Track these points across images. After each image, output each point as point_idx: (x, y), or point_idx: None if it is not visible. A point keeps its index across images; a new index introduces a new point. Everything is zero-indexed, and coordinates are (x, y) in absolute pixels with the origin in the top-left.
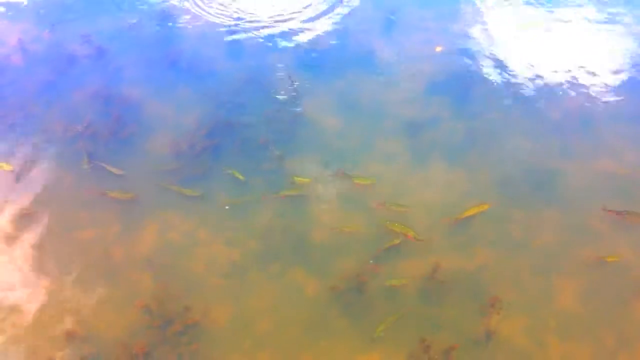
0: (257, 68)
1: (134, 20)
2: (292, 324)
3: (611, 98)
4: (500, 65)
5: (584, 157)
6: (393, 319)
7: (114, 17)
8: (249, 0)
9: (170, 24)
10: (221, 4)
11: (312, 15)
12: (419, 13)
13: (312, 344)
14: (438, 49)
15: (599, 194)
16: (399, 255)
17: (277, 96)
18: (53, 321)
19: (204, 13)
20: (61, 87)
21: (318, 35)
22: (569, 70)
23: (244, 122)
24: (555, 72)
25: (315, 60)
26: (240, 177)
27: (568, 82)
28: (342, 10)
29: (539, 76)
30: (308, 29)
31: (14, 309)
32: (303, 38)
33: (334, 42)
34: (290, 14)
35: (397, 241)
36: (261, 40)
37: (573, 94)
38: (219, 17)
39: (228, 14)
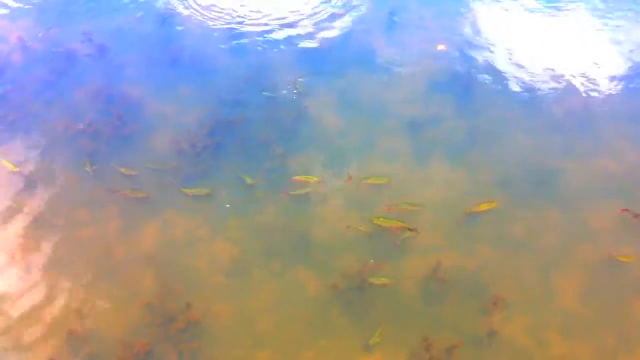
0: (259, 66)
1: (140, 14)
2: (293, 323)
3: (612, 97)
4: (501, 63)
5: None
6: (380, 330)
7: (116, 15)
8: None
9: (171, 22)
10: (223, 3)
11: (314, 14)
12: (420, 12)
13: (312, 342)
14: (440, 47)
15: (601, 192)
16: (400, 254)
17: (279, 94)
18: (54, 319)
19: (206, 12)
20: (62, 85)
21: (319, 34)
22: (570, 69)
23: (246, 121)
24: (556, 71)
25: (317, 59)
26: (249, 180)
27: (569, 81)
28: (343, 9)
29: (539, 75)
30: (310, 28)
31: (15, 307)
32: (305, 36)
33: (335, 40)
34: (292, 13)
35: (407, 234)
36: (263, 39)
37: (574, 92)
38: (220, 17)
39: (230, 13)
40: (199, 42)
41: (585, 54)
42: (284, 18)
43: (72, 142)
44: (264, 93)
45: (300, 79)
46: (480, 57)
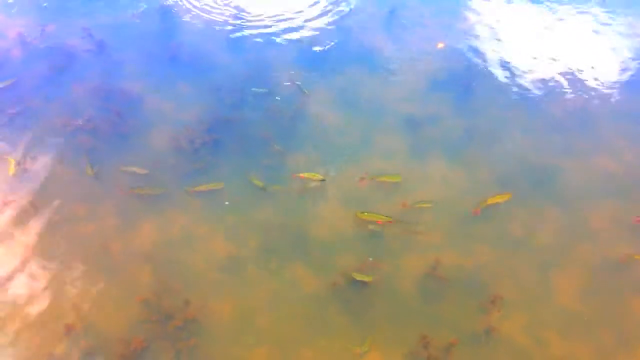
0: (258, 63)
1: (140, 10)
2: (291, 320)
3: (612, 96)
4: (500, 62)
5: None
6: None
7: (115, 12)
8: None
9: (171, 19)
10: (223, 1)
11: (313, 11)
12: (420, 10)
13: (310, 340)
14: (440, 45)
15: (600, 191)
16: (399, 252)
17: (279, 94)
18: (52, 315)
19: (206, 8)
20: (61, 81)
21: (319, 32)
22: (570, 68)
23: (245, 118)
24: (556, 69)
25: (316, 57)
26: (260, 183)
27: (568, 80)
28: (343, 7)
29: (538, 73)
30: (309, 25)
31: (13, 303)
32: (304, 34)
33: (335, 38)
34: (292, 10)
35: (417, 228)
36: (262, 36)
37: (574, 91)
38: (220, 13)
39: (230, 9)
40: (199, 39)
41: (585, 53)
42: (283, 15)
43: (70, 138)
44: (253, 89)
45: (299, 77)
46: (479, 55)
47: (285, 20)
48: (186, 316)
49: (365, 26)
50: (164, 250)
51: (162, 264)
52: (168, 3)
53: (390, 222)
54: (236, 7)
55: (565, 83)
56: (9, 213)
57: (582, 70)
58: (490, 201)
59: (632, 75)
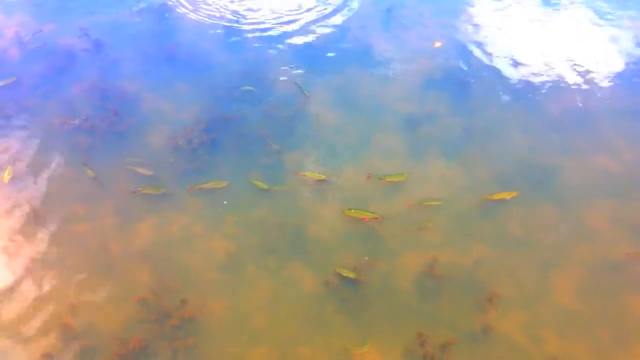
0: (255, 62)
1: (137, 9)
2: (289, 319)
3: (611, 95)
4: (499, 60)
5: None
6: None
7: (112, 11)
8: None
9: (168, 18)
10: (221, 0)
11: (311, 10)
12: (418, 9)
13: (308, 339)
14: (437, 44)
15: (599, 190)
16: (396, 251)
17: (277, 91)
18: (49, 314)
19: (203, 7)
20: (58, 80)
21: (316, 31)
22: (569, 67)
23: (242, 117)
24: (554, 68)
25: (314, 56)
26: (265, 186)
27: (568, 79)
28: (341, 6)
29: (537, 72)
30: (308, 25)
31: (10, 302)
32: (302, 33)
33: (333, 37)
34: (289, 9)
35: (428, 224)
36: (260, 35)
37: (572, 90)
38: (218, 12)
39: (227, 9)
40: (196, 38)
41: (583, 51)
42: (281, 14)
43: (68, 137)
44: (243, 88)
45: (298, 83)
46: (478, 54)
47: (284, 20)
48: (184, 315)
49: (365, 25)
50: (163, 249)
51: (160, 264)
52: (165, 2)
53: (376, 219)
54: (233, 6)
55: (565, 82)
56: (5, 211)
57: (582, 70)
58: (496, 197)
59: (632, 75)
